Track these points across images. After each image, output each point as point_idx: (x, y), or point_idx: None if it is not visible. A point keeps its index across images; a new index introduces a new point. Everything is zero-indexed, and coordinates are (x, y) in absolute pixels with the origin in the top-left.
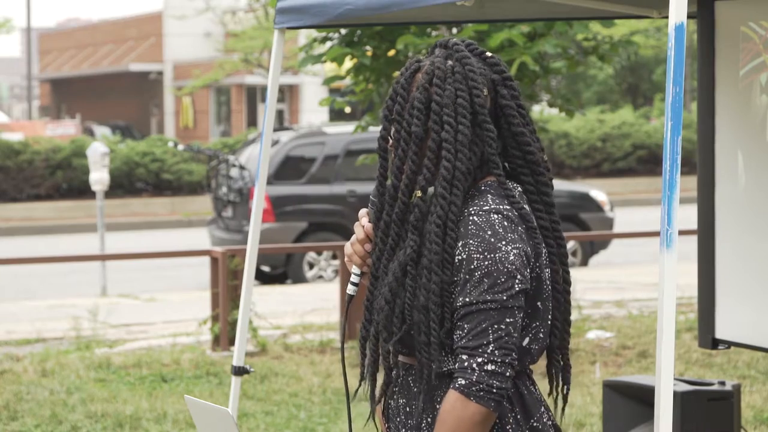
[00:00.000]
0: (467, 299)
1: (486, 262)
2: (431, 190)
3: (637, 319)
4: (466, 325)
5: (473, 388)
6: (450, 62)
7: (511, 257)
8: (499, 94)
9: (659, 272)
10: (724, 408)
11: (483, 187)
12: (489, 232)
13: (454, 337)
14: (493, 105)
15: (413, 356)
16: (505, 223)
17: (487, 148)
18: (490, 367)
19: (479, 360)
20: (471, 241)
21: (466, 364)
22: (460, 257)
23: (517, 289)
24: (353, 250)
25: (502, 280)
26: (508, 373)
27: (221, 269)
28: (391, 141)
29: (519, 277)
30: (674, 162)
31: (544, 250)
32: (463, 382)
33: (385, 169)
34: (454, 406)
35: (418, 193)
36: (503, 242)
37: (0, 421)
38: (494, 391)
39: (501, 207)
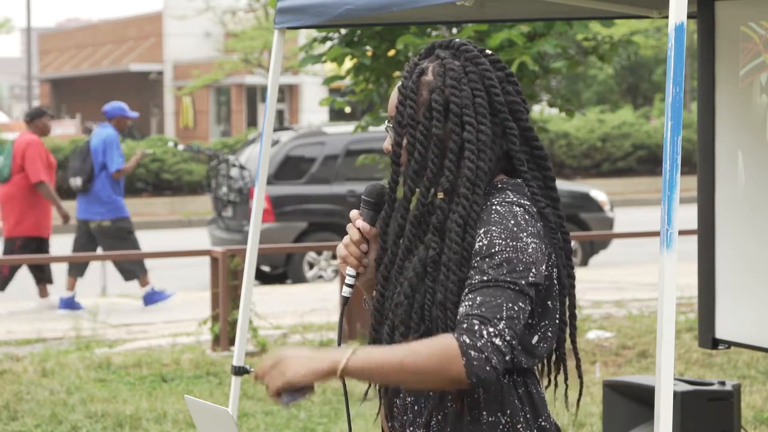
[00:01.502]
0: (485, 278)
1: (508, 248)
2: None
3: (637, 319)
4: (479, 298)
5: (472, 352)
6: (458, 62)
7: (530, 249)
8: (505, 91)
9: (659, 272)
10: (724, 408)
11: (500, 185)
12: (512, 222)
13: (462, 307)
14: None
15: None
16: (527, 217)
17: (511, 145)
18: (498, 341)
19: (491, 330)
20: (494, 228)
21: (476, 328)
22: (480, 243)
23: (531, 280)
24: (348, 251)
25: (521, 268)
26: (507, 357)
27: (221, 269)
28: (404, 146)
29: (534, 270)
30: (674, 162)
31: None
32: (468, 341)
33: (397, 174)
34: (444, 350)
35: (440, 195)
36: (524, 234)
37: (0, 421)
38: (488, 368)
39: (522, 201)
